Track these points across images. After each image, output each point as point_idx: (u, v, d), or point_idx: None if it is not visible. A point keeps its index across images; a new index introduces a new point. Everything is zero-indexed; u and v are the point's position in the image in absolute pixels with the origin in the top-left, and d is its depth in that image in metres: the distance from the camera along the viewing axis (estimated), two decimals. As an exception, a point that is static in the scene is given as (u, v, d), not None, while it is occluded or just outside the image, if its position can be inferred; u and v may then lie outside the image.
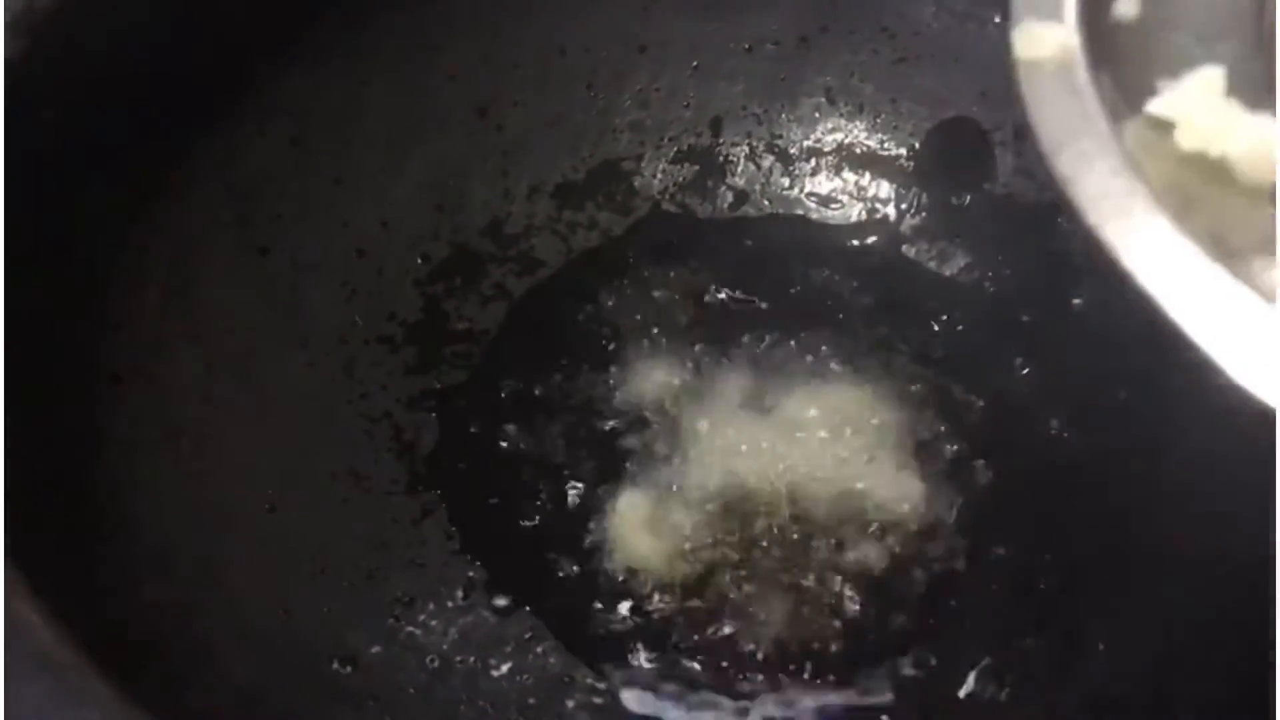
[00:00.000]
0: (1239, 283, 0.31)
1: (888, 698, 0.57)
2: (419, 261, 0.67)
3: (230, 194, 0.61)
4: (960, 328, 0.66)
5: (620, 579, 0.60)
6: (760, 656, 0.57)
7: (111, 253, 0.56)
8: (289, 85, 0.63)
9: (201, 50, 0.57)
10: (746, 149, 0.71)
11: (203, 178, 0.60)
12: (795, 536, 0.60)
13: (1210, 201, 0.34)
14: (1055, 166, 0.34)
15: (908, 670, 0.57)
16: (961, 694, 0.56)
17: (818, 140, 0.71)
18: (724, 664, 0.57)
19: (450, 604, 0.59)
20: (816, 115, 0.71)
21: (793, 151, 0.71)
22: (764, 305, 0.67)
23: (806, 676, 0.57)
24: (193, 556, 0.53)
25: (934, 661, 0.57)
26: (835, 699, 0.56)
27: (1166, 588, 0.55)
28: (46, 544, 0.43)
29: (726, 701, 0.57)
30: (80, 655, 0.38)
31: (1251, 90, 0.35)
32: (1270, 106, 0.35)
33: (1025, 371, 0.64)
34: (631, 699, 0.57)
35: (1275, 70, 0.36)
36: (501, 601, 0.59)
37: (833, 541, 0.59)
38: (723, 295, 0.68)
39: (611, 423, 0.64)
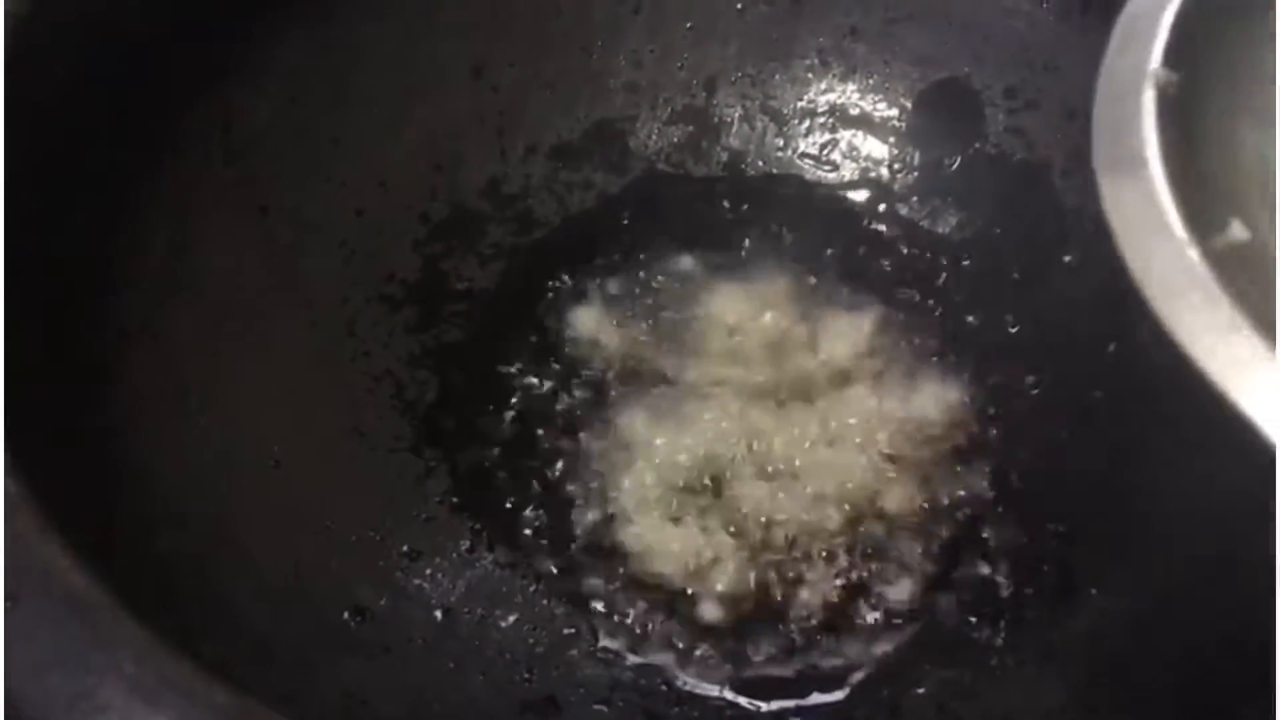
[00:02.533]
0: None
1: (886, 648, 0.58)
2: (418, 221, 0.67)
3: (230, 153, 0.61)
4: (952, 285, 0.68)
5: (621, 531, 0.61)
6: (763, 604, 0.58)
7: (114, 209, 0.56)
8: (287, 45, 0.63)
9: (201, 9, 0.57)
10: (741, 110, 0.72)
11: (202, 136, 0.60)
12: (796, 486, 0.61)
13: None
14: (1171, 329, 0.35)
15: (907, 616, 0.58)
16: (960, 637, 0.57)
17: (811, 101, 0.72)
18: (723, 611, 0.59)
19: (456, 557, 0.60)
20: (810, 76, 0.72)
21: (786, 112, 0.72)
22: (759, 263, 0.68)
23: (810, 627, 0.58)
24: (203, 510, 0.54)
25: (932, 607, 0.58)
26: (838, 648, 0.58)
27: (1158, 533, 0.56)
28: (69, 494, 0.43)
29: (719, 651, 0.58)
30: (111, 598, 0.39)
31: None
32: None
33: (1016, 329, 0.66)
34: (631, 653, 0.58)
35: None
36: (506, 555, 0.60)
37: (831, 495, 0.61)
38: (717, 254, 0.68)
39: (609, 378, 0.65)
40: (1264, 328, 0.33)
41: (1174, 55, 0.39)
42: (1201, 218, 0.36)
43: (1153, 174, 0.37)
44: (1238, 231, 0.37)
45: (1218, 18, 0.40)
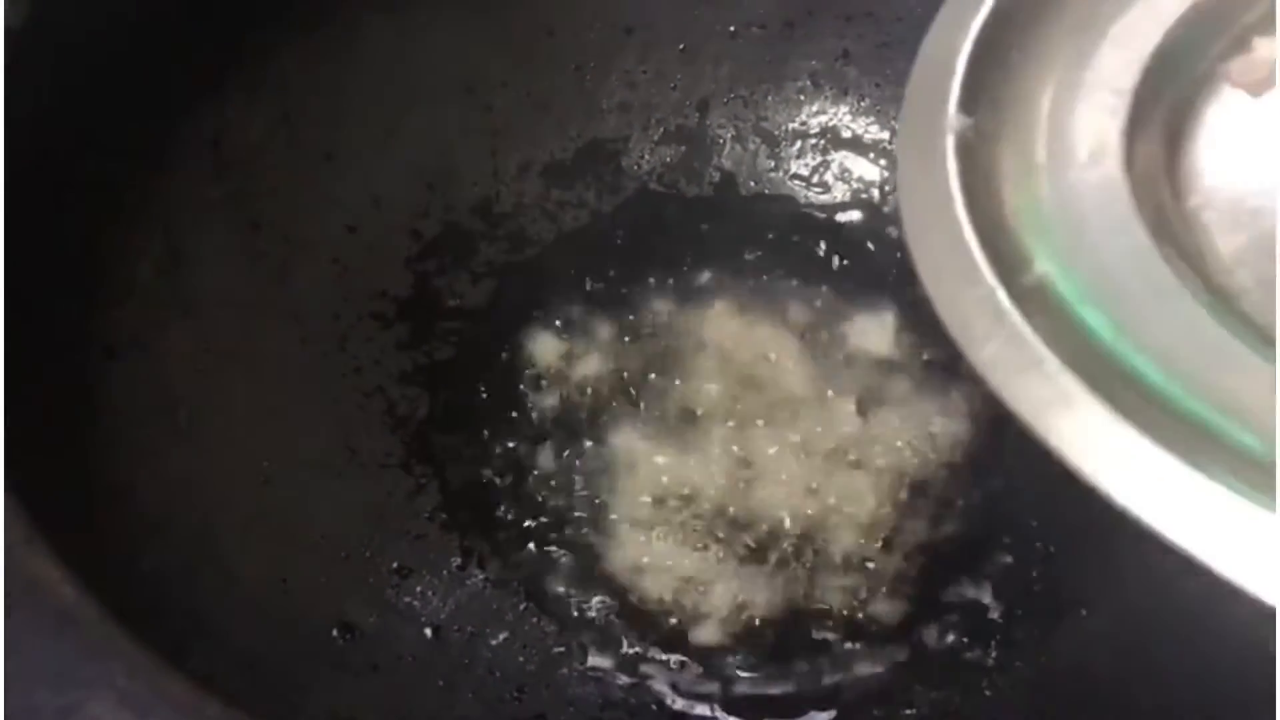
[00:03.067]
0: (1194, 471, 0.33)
1: (877, 668, 0.58)
2: (410, 238, 0.67)
3: (221, 169, 0.61)
4: (942, 307, 0.68)
5: (612, 551, 0.61)
6: (754, 623, 0.58)
7: (104, 226, 0.55)
8: (279, 60, 0.63)
9: (193, 24, 0.57)
10: (733, 131, 0.72)
11: (193, 152, 0.60)
12: (788, 506, 0.61)
13: None
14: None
15: (899, 636, 0.58)
16: (951, 658, 0.57)
17: (803, 123, 0.72)
18: (714, 630, 0.58)
19: (446, 574, 0.59)
20: (802, 98, 0.72)
21: (778, 133, 0.72)
22: (749, 282, 0.68)
23: (801, 646, 0.58)
24: (191, 527, 0.53)
25: (922, 628, 0.58)
26: (830, 668, 0.57)
27: (1149, 554, 0.56)
28: (58, 508, 0.43)
29: (710, 670, 0.58)
30: (101, 611, 0.38)
31: None
32: None
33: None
34: (622, 672, 0.58)
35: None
36: (496, 573, 0.60)
37: (823, 515, 0.61)
38: (709, 273, 0.69)
39: (601, 397, 0.65)
40: (1067, 362, 0.34)
41: (967, 101, 0.40)
42: (1007, 257, 0.37)
43: (958, 219, 0.37)
44: (1040, 268, 0.37)
45: (1000, 69, 0.41)
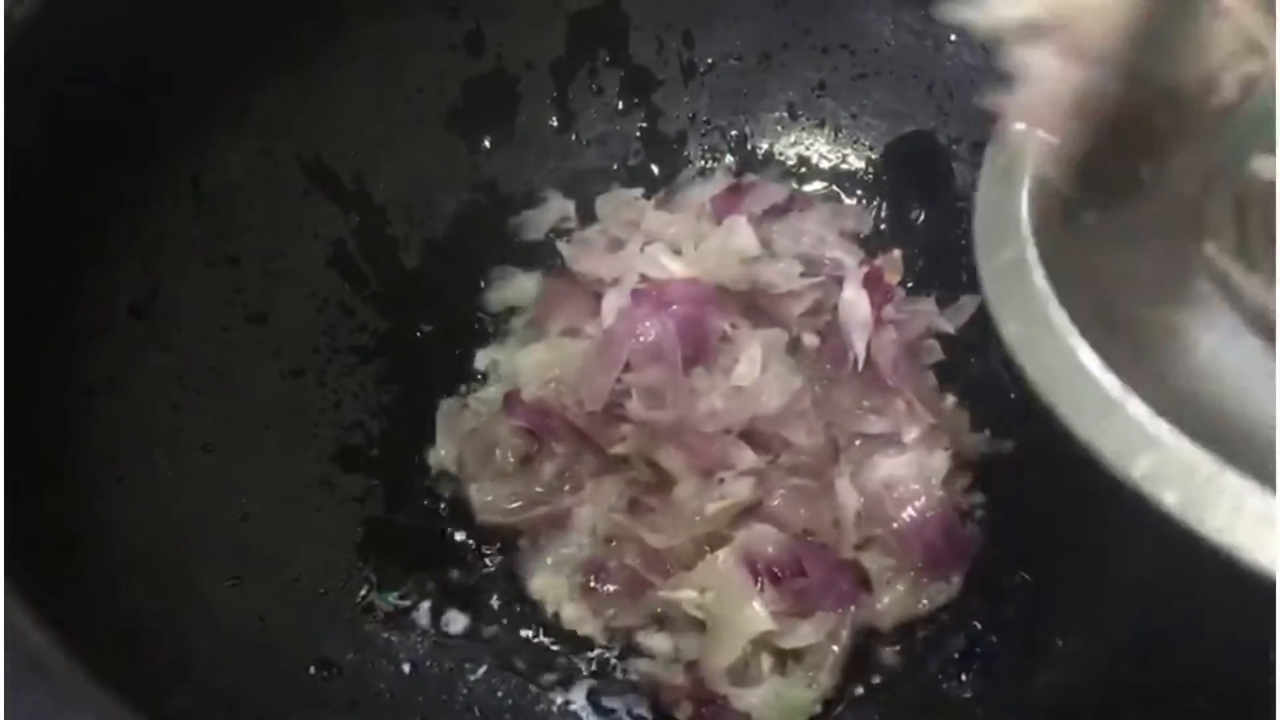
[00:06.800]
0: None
1: (858, 692, 0.58)
2: (390, 271, 0.68)
3: (201, 204, 0.61)
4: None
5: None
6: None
7: (83, 263, 0.56)
8: (260, 97, 0.63)
9: (174, 62, 0.58)
10: (711, 162, 0.73)
11: (174, 188, 0.60)
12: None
13: None
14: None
15: (875, 667, 0.58)
16: (928, 688, 0.58)
17: (780, 153, 0.73)
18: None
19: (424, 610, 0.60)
20: (779, 129, 0.73)
21: (755, 164, 0.73)
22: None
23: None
24: (169, 564, 0.53)
25: (899, 659, 0.59)
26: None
27: (1124, 585, 0.56)
28: (31, 553, 0.43)
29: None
30: (74, 660, 0.38)
31: None
32: None
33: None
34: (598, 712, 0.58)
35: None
36: (473, 610, 0.60)
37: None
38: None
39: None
40: None
41: None
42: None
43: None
44: None
45: None
